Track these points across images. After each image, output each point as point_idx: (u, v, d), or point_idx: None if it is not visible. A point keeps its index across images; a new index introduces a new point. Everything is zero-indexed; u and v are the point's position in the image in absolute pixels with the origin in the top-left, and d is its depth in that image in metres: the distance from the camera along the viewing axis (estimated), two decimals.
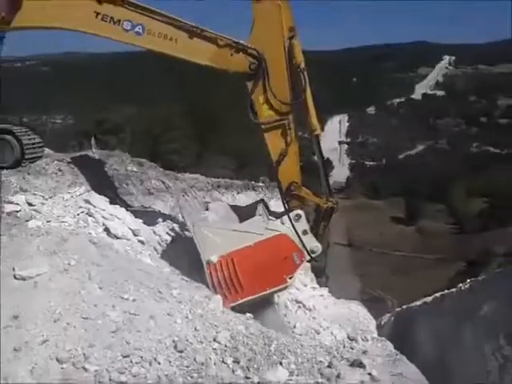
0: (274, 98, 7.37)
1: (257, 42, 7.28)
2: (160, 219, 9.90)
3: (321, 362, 7.15)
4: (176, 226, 10.16)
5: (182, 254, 8.91)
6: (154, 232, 8.90)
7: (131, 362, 5.40)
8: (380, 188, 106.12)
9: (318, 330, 8.84)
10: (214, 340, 6.09)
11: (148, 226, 9.02)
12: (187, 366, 5.57)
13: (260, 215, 7.85)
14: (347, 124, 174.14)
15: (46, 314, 5.60)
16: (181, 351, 5.71)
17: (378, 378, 7.09)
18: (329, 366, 7.07)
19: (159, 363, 5.48)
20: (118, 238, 7.73)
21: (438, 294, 22.59)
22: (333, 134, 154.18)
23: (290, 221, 7.60)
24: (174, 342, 5.78)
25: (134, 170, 11.16)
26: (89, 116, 28.07)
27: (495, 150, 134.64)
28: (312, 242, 7.67)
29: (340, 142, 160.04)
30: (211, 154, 27.11)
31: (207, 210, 8.45)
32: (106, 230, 7.75)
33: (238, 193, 15.61)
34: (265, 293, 7.68)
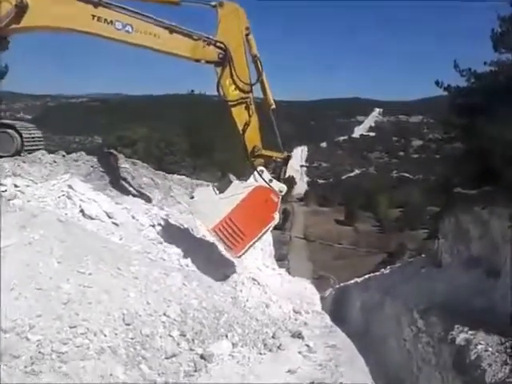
0: (238, 80, 6.81)
1: (222, 37, 6.75)
2: (143, 207, 8.42)
3: (266, 333, 5.75)
4: (158, 214, 8.69)
5: (157, 236, 7.48)
6: (133, 217, 7.37)
7: (77, 332, 3.96)
8: (328, 199, 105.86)
9: (268, 303, 7.40)
10: (164, 314, 4.64)
11: (129, 212, 7.51)
12: (132, 338, 4.12)
13: (234, 181, 7.16)
14: (306, 153, 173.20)
15: (4, 282, 4.15)
16: (128, 324, 4.25)
17: (315, 349, 5.72)
18: (273, 337, 5.69)
19: (105, 335, 4.02)
20: (92, 218, 6.28)
21: (366, 276, 21.51)
22: (296, 159, 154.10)
23: (259, 174, 7.00)
24: (123, 314, 4.31)
25: (127, 166, 9.62)
26: (113, 135, 26.44)
27: (408, 175, 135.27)
28: (278, 185, 7.05)
29: (301, 166, 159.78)
30: (202, 165, 25.67)
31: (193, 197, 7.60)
32: (82, 211, 6.29)
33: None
34: (264, 231, 7.10)
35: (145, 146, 24.30)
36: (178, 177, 12.71)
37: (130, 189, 9.27)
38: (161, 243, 7.30)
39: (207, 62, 6.84)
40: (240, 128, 7.01)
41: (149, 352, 4.05)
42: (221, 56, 6.66)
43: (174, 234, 8.26)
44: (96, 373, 3.63)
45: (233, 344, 4.82)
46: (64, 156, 8.24)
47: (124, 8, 6.51)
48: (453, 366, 7.89)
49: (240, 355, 4.74)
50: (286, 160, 7.31)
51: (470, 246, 12.59)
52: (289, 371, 4.74)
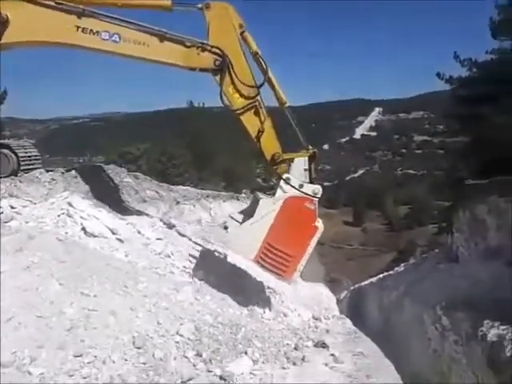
0: (241, 85, 6.16)
1: (215, 41, 6.09)
2: (149, 221, 8.08)
3: (288, 344, 5.36)
4: (164, 227, 8.36)
5: (165, 250, 7.11)
6: (138, 231, 7.01)
7: (83, 362, 3.59)
8: (334, 201, 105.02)
9: (286, 312, 7.00)
10: (177, 333, 4.25)
11: (134, 227, 7.16)
12: (144, 363, 3.74)
13: (260, 199, 6.35)
14: None
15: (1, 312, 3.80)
16: (139, 347, 3.87)
17: (341, 359, 5.32)
18: (295, 349, 5.30)
19: (113, 362, 3.65)
20: (94, 236, 5.92)
21: (381, 275, 20.95)
22: (300, 164, 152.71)
23: (286, 182, 6.21)
24: (133, 337, 3.94)
25: (130, 181, 9.29)
26: (115, 152, 26.24)
27: (413, 171, 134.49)
28: (310, 188, 6.23)
29: (305, 170, 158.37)
30: (207, 176, 25.36)
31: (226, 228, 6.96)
32: (83, 229, 5.94)
33: (224, 201, 13.73)
34: (310, 244, 6.22)
35: (147, 160, 24.11)
36: (183, 188, 12.41)
37: (134, 203, 8.96)
38: (169, 257, 6.94)
39: (203, 69, 6.24)
40: (253, 136, 6.32)
41: (163, 377, 3.67)
42: (217, 63, 6.06)
43: (182, 246, 7.92)
44: None
45: (253, 361, 4.43)
46: (63, 173, 7.90)
47: (110, 16, 5.98)
48: (487, 365, 7.42)
49: (262, 372, 4.34)
50: (313, 157, 6.55)
51: (487, 237, 12.11)
52: None
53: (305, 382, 4.34)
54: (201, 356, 4.10)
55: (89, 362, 3.57)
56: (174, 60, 6.16)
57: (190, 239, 8.64)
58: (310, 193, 6.20)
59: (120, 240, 6.21)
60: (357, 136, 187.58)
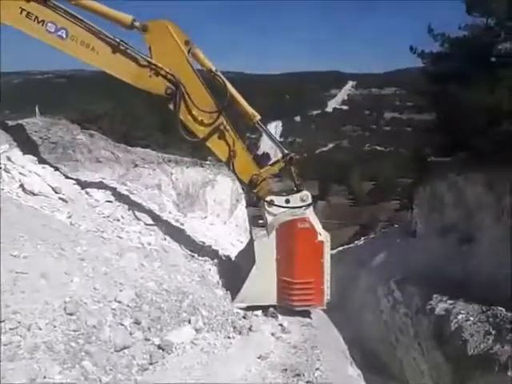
0: (202, 113, 5.62)
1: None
2: (100, 182, 7.65)
3: (237, 313, 5.25)
4: (117, 189, 7.95)
5: (114, 213, 6.76)
6: (87, 192, 6.61)
7: (5, 328, 3.30)
8: (301, 174, 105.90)
9: None
10: (115, 300, 4.01)
11: (82, 187, 6.74)
12: (74, 331, 3.49)
13: (255, 239, 5.81)
14: (281, 128, 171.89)
15: None
16: (70, 313, 3.60)
17: (289, 329, 5.27)
18: (244, 317, 5.20)
19: (40, 328, 3.37)
20: (34, 194, 5.51)
21: (340, 248, 21.45)
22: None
23: (271, 205, 5.81)
24: (64, 303, 3.68)
25: (82, 139, 8.72)
26: (76, 110, 24.91)
27: (381, 148, 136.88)
28: (298, 198, 5.81)
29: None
30: (174, 141, 24.58)
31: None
32: (22, 186, 5.51)
33: (187, 167, 13.29)
34: (325, 262, 5.71)
35: (110, 121, 23.06)
36: (143, 150, 11.85)
37: (86, 163, 8.46)
38: (118, 220, 6.60)
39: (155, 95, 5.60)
40: (224, 161, 5.85)
41: (94, 346, 3.45)
42: (169, 91, 5.48)
43: (135, 210, 7.58)
44: (27, 375, 3.01)
45: (196, 330, 4.27)
46: (7, 126, 7.27)
47: (61, 8, 5.21)
48: (432, 337, 7.68)
49: (205, 342, 4.20)
50: (291, 161, 6.07)
51: (444, 214, 12.45)
52: (259, 357, 4.25)
53: (247, 352, 4.24)
54: (139, 324, 3.90)
55: (11, 329, 3.27)
56: (122, 76, 5.53)
57: (145, 203, 8.32)
58: (298, 204, 5.78)
59: (63, 200, 5.81)
60: (329, 109, 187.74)
